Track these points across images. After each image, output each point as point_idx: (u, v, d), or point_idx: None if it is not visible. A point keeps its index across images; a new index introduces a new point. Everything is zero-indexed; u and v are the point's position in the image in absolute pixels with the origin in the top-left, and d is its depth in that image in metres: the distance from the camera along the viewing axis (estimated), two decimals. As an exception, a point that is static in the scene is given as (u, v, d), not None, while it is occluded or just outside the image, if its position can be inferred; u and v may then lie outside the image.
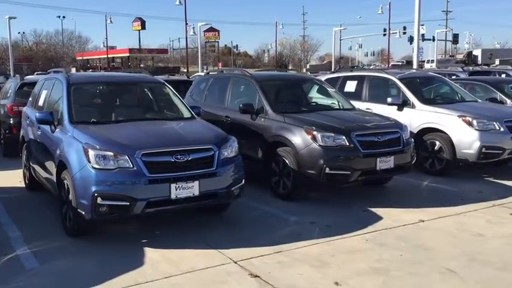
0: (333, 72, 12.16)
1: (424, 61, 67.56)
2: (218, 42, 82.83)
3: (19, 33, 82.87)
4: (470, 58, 63.85)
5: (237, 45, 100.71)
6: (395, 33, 57.70)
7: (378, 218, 6.25)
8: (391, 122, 7.37)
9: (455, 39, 73.34)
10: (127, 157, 5.03)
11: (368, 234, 5.65)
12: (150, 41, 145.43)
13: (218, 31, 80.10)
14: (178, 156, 5.18)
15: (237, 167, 5.76)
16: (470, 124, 8.25)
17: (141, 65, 71.57)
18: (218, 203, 5.77)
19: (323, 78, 11.36)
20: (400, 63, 67.82)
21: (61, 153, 5.53)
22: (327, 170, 6.55)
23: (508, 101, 10.52)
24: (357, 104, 9.88)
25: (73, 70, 72.19)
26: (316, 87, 8.84)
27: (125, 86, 7.25)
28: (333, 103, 8.45)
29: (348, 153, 6.60)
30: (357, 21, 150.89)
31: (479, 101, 9.77)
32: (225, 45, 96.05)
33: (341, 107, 8.27)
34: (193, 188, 5.21)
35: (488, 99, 10.51)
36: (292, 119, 7.12)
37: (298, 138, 6.82)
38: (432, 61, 58.24)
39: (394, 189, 7.78)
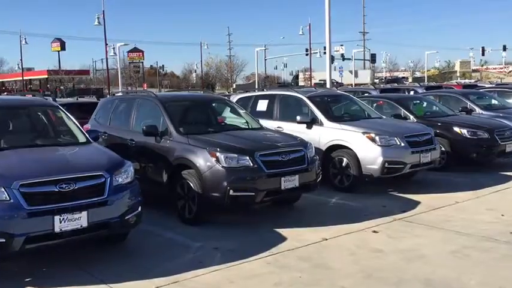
0: (246, 92, 12.18)
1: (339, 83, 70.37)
2: (142, 62, 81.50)
3: None
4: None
5: (163, 65, 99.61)
6: (316, 53, 59.46)
7: (283, 239, 6.18)
8: (295, 140, 7.39)
9: (373, 58, 76.95)
10: (2, 189, 4.61)
11: (270, 257, 5.54)
12: (71, 63, 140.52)
13: (142, 51, 78.77)
14: (63, 185, 4.82)
15: (133, 193, 5.48)
16: (373, 140, 8.47)
17: (61, 87, 68.84)
18: (112, 233, 5.43)
19: (236, 97, 11.39)
20: (323, 82, 69.99)
21: None
22: (231, 192, 6.41)
23: (411, 116, 10.96)
24: (268, 123, 9.96)
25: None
26: (224, 107, 8.75)
27: (13, 110, 6.77)
28: (241, 123, 8.38)
29: (252, 174, 6.51)
30: (281, 42, 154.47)
31: (384, 117, 10.11)
32: (151, 65, 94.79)
33: (249, 127, 8.22)
34: (80, 219, 4.86)
35: (393, 115, 10.92)
36: (197, 141, 6.95)
37: (202, 160, 6.65)
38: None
39: (303, 208, 7.78)
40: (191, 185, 6.72)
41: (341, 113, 10.03)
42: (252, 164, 6.53)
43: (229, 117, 8.59)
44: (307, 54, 67.83)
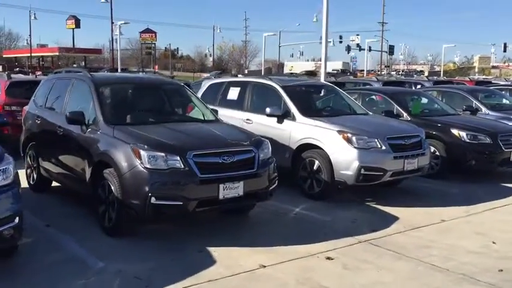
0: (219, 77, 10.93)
1: (358, 70, 68.51)
2: (155, 44, 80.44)
3: None
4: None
5: (177, 48, 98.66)
6: (330, 41, 57.62)
7: (210, 263, 4.94)
8: (246, 139, 6.10)
9: (391, 50, 74.83)
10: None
11: (182, 290, 4.32)
12: (89, 41, 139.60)
13: (155, 32, 77.76)
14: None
15: (9, 199, 4.28)
16: (349, 141, 7.15)
17: (74, 65, 68.44)
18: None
19: (208, 83, 10.13)
20: (335, 72, 68.24)
21: None
22: (153, 200, 5.17)
23: (405, 114, 9.60)
24: (238, 115, 8.74)
25: (-1, 68, 68.23)
26: (177, 94, 7.45)
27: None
28: (192, 113, 7.13)
29: (181, 179, 5.26)
30: (297, 29, 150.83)
31: (371, 114, 8.76)
32: (165, 47, 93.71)
33: (202, 118, 6.95)
34: None
35: (384, 112, 9.57)
36: (122, 133, 5.70)
37: (123, 158, 5.41)
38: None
39: (255, 218, 6.52)
40: (112, 187, 5.51)
41: (319, 107, 8.70)
42: (182, 166, 5.28)
43: (180, 106, 7.32)
44: (321, 43, 66.09)
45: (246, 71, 79.03)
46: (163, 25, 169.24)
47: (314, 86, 9.31)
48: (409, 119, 9.48)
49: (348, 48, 66.46)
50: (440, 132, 9.02)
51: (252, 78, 9.35)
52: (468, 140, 8.80)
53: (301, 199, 7.43)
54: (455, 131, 8.93)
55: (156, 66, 76.57)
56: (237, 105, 8.93)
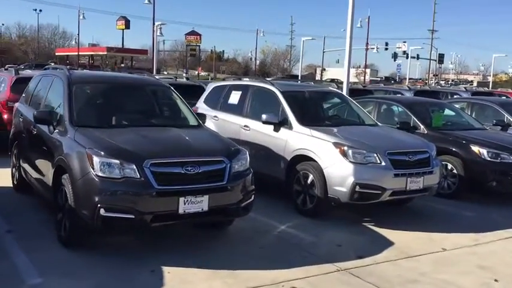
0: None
1: (405, 78, 66.40)
2: (199, 46, 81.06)
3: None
4: None
5: (223, 50, 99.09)
6: (373, 48, 56.26)
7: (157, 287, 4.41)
8: (219, 147, 5.54)
9: (441, 59, 72.21)
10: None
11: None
12: (141, 42, 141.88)
13: (200, 35, 78.18)
14: None
15: None
16: (344, 154, 6.46)
17: (122, 64, 70.21)
18: None
19: (212, 86, 9.64)
20: (379, 79, 66.60)
21: None
22: (102, 212, 4.69)
23: (422, 126, 8.78)
24: (237, 120, 8.22)
25: (52, 65, 70.30)
26: (160, 96, 6.96)
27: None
28: (174, 117, 6.64)
29: (135, 189, 4.76)
30: (341, 34, 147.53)
31: (380, 125, 8.01)
32: (211, 50, 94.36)
33: (184, 123, 6.43)
34: None
35: (399, 123, 8.77)
36: (83, 136, 5.26)
37: (76, 163, 4.97)
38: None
39: (227, 237, 5.92)
40: (67, 195, 5.07)
41: (321, 116, 7.99)
42: (138, 176, 4.78)
43: (161, 108, 6.83)
44: (367, 49, 64.60)
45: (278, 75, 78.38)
46: (208, 28, 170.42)
47: (319, 93, 8.59)
48: (426, 132, 8.66)
49: (395, 56, 64.64)
50: (459, 148, 8.15)
51: (254, 81, 8.76)
52: (489, 158, 7.90)
53: (292, 215, 6.80)
54: (475, 148, 8.03)
55: (200, 68, 77.16)
56: (237, 110, 8.40)
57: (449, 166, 8.19)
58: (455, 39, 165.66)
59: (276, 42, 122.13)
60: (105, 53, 75.76)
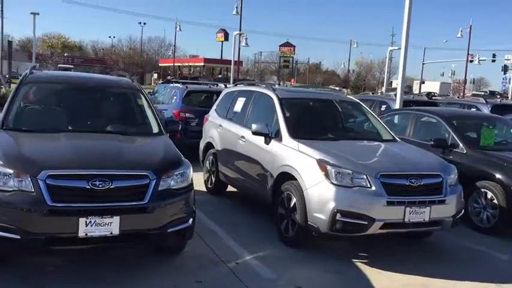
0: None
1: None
2: (293, 57, 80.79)
3: (110, 37, 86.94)
4: None
5: (320, 62, 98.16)
6: (473, 60, 51.98)
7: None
8: (150, 158, 4.68)
9: (558, 72, 65.04)
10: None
11: None
12: (247, 53, 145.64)
13: (294, 46, 78.09)
14: None
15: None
16: (326, 174, 5.29)
17: (219, 75, 72.81)
18: None
19: (224, 92, 8.81)
20: (483, 93, 61.35)
21: None
22: (-11, 230, 4.04)
23: (461, 145, 7.21)
24: (237, 130, 7.36)
25: (155, 76, 74.43)
26: (124, 100, 6.20)
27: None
28: (125, 123, 5.82)
29: (23, 206, 4.02)
30: (443, 45, 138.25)
31: (399, 141, 6.63)
32: (308, 62, 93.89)
33: (142, 131, 5.68)
34: None
35: (433, 140, 7.29)
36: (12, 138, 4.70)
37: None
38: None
39: (167, 264, 5.00)
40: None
41: (320, 127, 6.66)
42: (30, 189, 4.07)
43: (123, 114, 6.09)
44: (471, 61, 59.97)
45: (383, 88, 75.20)
46: (304, 39, 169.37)
47: (327, 102, 7.30)
48: (465, 151, 7.10)
49: (505, 68, 59.54)
50: (501, 172, 6.54)
51: (257, 87, 7.76)
52: (539, 188, 6.22)
53: (271, 243, 5.77)
54: (520, 173, 6.38)
55: (292, 80, 76.85)
56: (239, 118, 7.53)
57: (489, 195, 6.60)
58: None
59: (372, 53, 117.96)
60: (203, 64, 78.39)
